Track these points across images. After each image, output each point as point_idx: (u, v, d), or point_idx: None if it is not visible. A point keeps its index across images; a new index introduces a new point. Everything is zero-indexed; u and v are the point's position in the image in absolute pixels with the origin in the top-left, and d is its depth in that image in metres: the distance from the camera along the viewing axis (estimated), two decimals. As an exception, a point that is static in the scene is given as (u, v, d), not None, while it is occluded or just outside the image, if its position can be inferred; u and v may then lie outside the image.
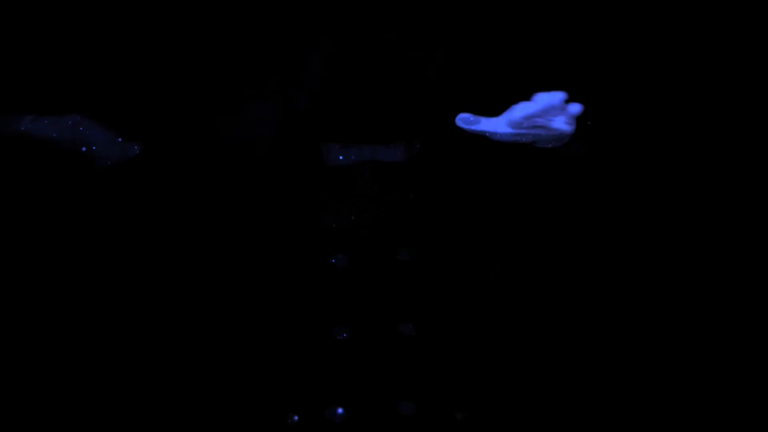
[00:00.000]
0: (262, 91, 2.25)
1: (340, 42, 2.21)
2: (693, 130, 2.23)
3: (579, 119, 1.58)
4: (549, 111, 1.51)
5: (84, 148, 1.63)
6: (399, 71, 1.76)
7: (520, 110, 1.52)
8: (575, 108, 1.51)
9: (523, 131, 1.54)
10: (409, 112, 1.73)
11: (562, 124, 1.53)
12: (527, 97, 1.54)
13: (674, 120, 2.25)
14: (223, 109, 2.28)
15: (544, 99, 1.50)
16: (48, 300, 2.25)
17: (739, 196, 2.23)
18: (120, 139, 1.65)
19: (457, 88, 2.11)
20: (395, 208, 1.72)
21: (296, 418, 1.69)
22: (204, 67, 2.32)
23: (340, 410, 1.65)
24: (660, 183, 2.22)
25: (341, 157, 1.72)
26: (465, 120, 1.56)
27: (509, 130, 1.55)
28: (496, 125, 1.55)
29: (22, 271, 2.28)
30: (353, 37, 2.21)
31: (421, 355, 1.68)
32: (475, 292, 1.76)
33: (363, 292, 1.69)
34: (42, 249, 2.31)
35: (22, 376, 2.21)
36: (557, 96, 1.50)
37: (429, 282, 1.71)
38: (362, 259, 1.71)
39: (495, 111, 1.59)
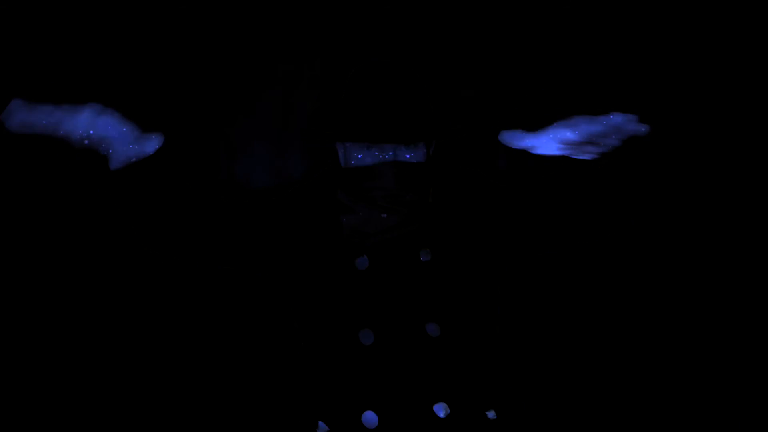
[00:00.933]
0: (276, 88, 2.24)
1: (357, 43, 2.20)
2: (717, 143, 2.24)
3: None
4: (612, 131, 1.48)
5: (102, 145, 1.60)
6: (419, 71, 1.75)
7: (581, 126, 1.49)
8: (639, 128, 1.48)
9: (571, 150, 1.52)
10: (429, 112, 1.72)
11: (614, 141, 1.50)
12: (565, 112, 1.53)
13: (701, 134, 2.25)
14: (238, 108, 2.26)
15: (616, 120, 1.47)
16: (55, 302, 2.22)
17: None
18: (137, 133, 1.61)
19: (493, 98, 2.11)
20: (416, 209, 1.71)
21: (323, 425, 1.68)
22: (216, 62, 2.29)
23: (374, 415, 1.64)
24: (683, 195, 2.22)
25: (362, 157, 1.70)
26: (512, 136, 1.53)
27: (559, 146, 1.52)
28: (544, 143, 1.52)
29: (29, 270, 2.24)
30: (370, 38, 2.20)
31: (450, 355, 1.67)
32: (497, 291, 1.76)
33: (387, 293, 1.68)
34: (49, 249, 2.27)
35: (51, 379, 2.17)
36: (627, 118, 1.47)
37: (452, 282, 1.70)
38: (385, 261, 1.70)
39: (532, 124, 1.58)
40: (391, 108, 1.69)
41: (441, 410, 1.64)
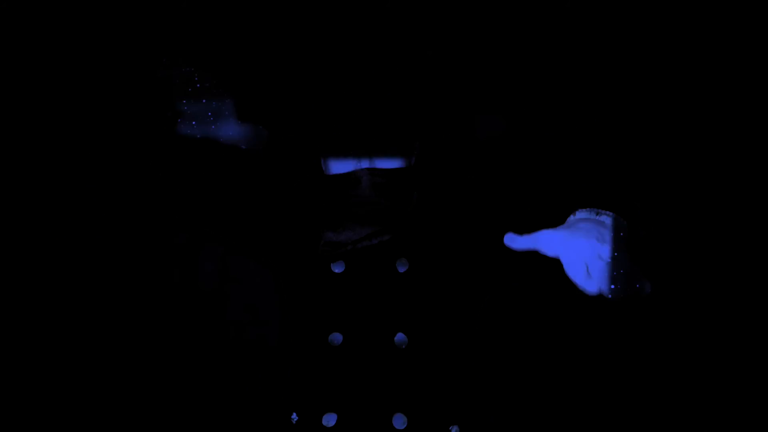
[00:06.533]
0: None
1: (337, 46, 2.20)
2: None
3: None
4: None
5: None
6: (397, 76, 1.75)
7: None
8: None
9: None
10: (408, 117, 1.71)
11: None
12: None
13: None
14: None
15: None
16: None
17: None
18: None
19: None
20: (393, 218, 1.70)
21: (295, 417, 1.70)
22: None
23: (333, 417, 1.66)
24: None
25: (339, 163, 1.70)
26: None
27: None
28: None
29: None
30: (350, 41, 2.20)
31: (415, 367, 1.67)
32: (473, 306, 1.75)
33: (360, 300, 1.68)
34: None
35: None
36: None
37: (426, 294, 1.70)
38: (360, 268, 1.70)
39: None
40: (372, 114, 1.68)
41: (399, 421, 1.65)
